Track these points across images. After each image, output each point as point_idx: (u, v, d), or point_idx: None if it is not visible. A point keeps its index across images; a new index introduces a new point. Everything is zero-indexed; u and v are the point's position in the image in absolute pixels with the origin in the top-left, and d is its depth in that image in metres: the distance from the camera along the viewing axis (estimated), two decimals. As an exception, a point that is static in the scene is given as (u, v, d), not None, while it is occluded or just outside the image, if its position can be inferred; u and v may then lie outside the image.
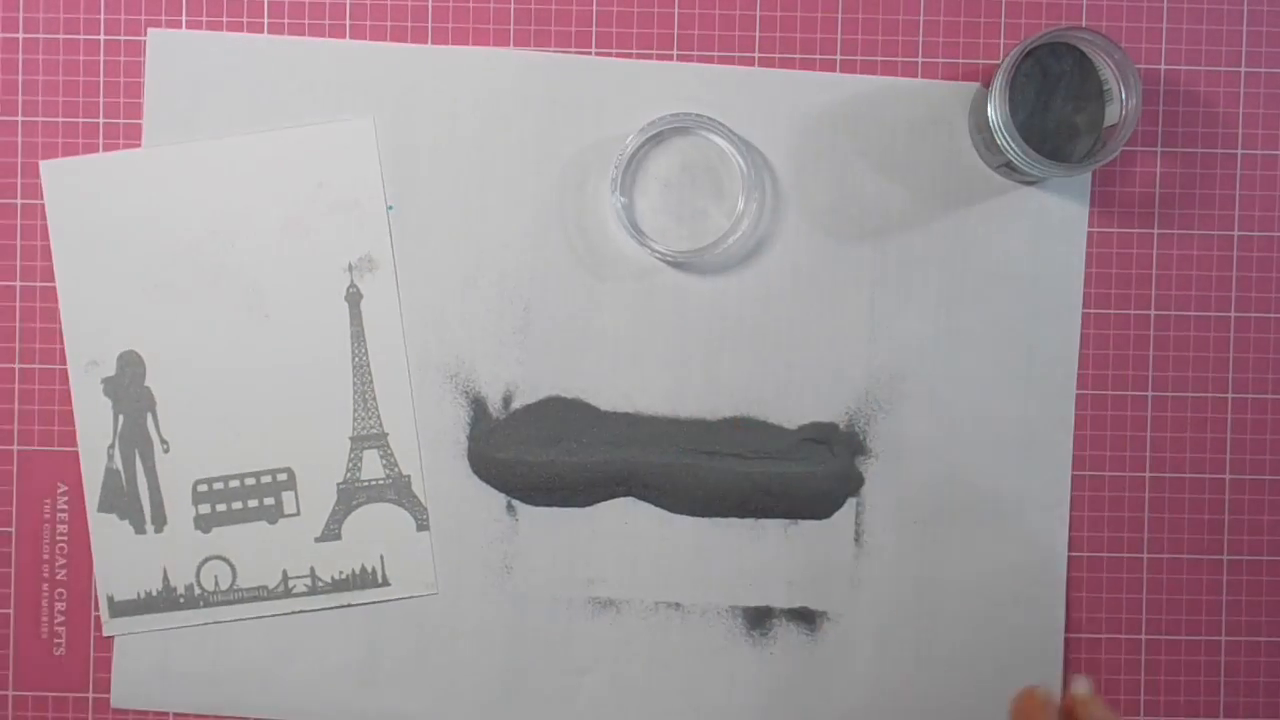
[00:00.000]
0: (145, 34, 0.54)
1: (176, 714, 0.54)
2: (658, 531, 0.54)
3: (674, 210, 0.54)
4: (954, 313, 0.54)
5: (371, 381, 0.52)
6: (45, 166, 0.52)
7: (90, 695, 0.54)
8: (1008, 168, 0.52)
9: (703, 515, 0.54)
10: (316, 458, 0.52)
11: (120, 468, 0.52)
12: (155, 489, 0.52)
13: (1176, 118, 0.54)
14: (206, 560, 0.53)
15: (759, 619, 0.54)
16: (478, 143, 0.54)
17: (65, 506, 0.54)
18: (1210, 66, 0.54)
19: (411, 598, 0.53)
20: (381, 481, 0.52)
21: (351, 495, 0.53)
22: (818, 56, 0.54)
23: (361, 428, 0.52)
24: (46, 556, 0.54)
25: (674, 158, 0.54)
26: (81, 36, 0.54)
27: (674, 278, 0.54)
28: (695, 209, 0.54)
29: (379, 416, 0.52)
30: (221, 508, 0.52)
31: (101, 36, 0.54)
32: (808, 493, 0.54)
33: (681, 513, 0.54)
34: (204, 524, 0.52)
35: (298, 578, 0.53)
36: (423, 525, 0.53)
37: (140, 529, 0.53)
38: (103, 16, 0.54)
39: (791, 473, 0.54)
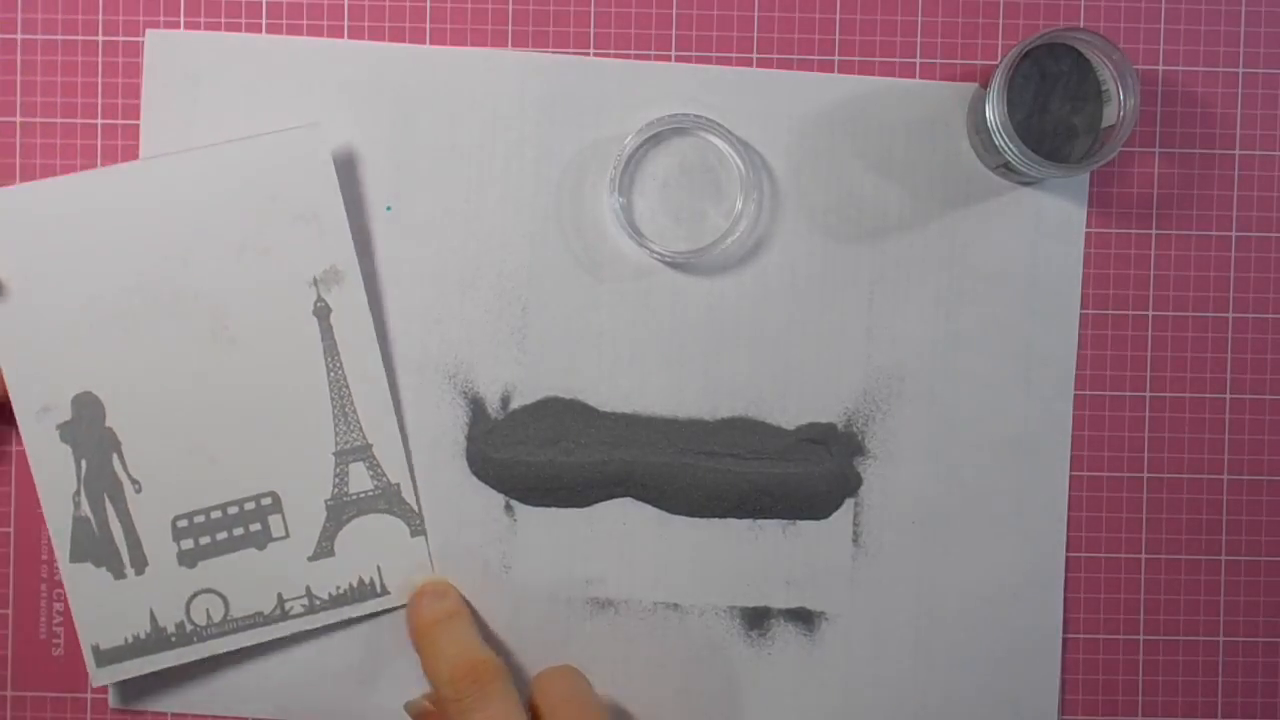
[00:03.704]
0: (143, 35, 0.54)
1: (176, 714, 0.54)
2: (656, 532, 0.54)
3: (672, 211, 0.54)
4: (952, 313, 0.54)
5: (350, 395, 0.50)
6: None
7: (89, 695, 0.54)
8: (1006, 168, 0.52)
9: (701, 515, 0.54)
10: (301, 477, 0.51)
11: (90, 514, 0.50)
12: (131, 531, 0.50)
13: (1175, 118, 0.54)
14: (195, 595, 0.51)
15: (757, 619, 0.54)
16: (476, 143, 0.54)
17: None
18: (1208, 67, 0.54)
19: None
20: (371, 493, 0.51)
21: (341, 510, 0.51)
22: (816, 57, 0.54)
23: (344, 442, 0.51)
24: (45, 557, 0.54)
25: (672, 158, 0.54)
26: (79, 37, 0.54)
27: (672, 278, 0.54)
28: (694, 209, 0.54)
29: (361, 429, 0.51)
30: (205, 540, 0.51)
31: (99, 37, 0.54)
32: (806, 493, 0.54)
33: (680, 513, 0.54)
34: (188, 559, 0.51)
35: (294, 599, 0.51)
36: (417, 530, 0.52)
37: (120, 574, 0.50)
38: (100, 17, 0.54)
39: (790, 473, 0.54)
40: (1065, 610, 0.54)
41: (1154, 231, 0.54)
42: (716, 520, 0.54)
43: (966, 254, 0.54)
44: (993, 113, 0.50)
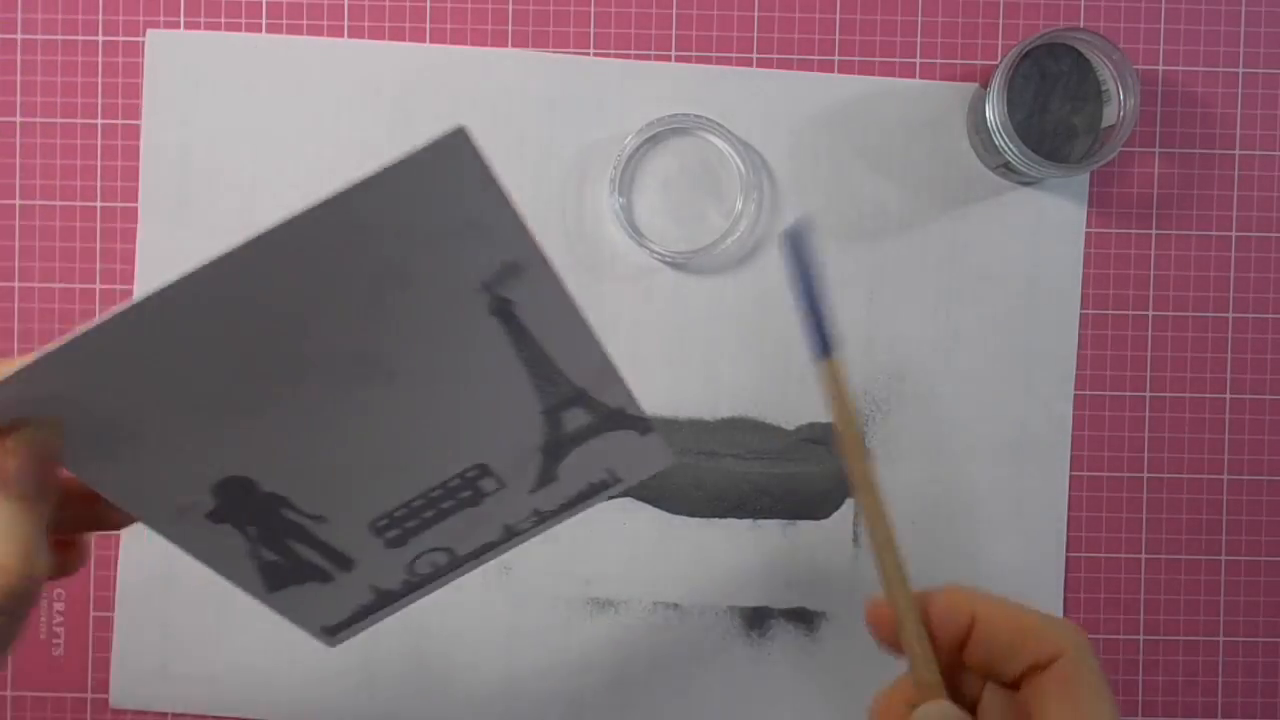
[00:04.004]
0: (144, 34, 0.54)
1: (175, 714, 0.54)
2: (656, 532, 0.54)
3: (672, 211, 0.54)
4: (952, 313, 0.54)
5: (552, 362, 0.43)
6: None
7: (89, 695, 0.54)
8: (1006, 168, 0.52)
9: (701, 516, 0.54)
10: (507, 443, 0.44)
11: (276, 558, 0.43)
12: (327, 550, 0.44)
13: (1174, 118, 0.54)
14: (418, 558, 0.45)
15: (757, 619, 0.54)
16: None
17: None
18: (1208, 67, 0.54)
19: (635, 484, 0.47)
20: (590, 424, 0.44)
21: (559, 448, 0.45)
22: (816, 57, 0.54)
23: (551, 400, 0.44)
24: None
25: (672, 158, 0.54)
26: (79, 37, 0.54)
27: (672, 278, 0.54)
28: (694, 209, 0.54)
29: (570, 382, 0.43)
30: (412, 523, 0.45)
31: (100, 37, 0.54)
32: (806, 493, 0.54)
33: (680, 513, 0.54)
34: (398, 542, 0.45)
35: (521, 520, 0.46)
36: (647, 429, 0.45)
37: (326, 580, 0.45)
38: (100, 17, 0.54)
39: (790, 473, 0.54)
40: (1065, 610, 0.54)
41: (1154, 231, 0.54)
42: (716, 520, 0.54)
43: (966, 254, 0.54)
44: (993, 113, 0.50)
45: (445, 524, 0.45)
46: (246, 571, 0.43)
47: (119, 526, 0.39)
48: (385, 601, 0.46)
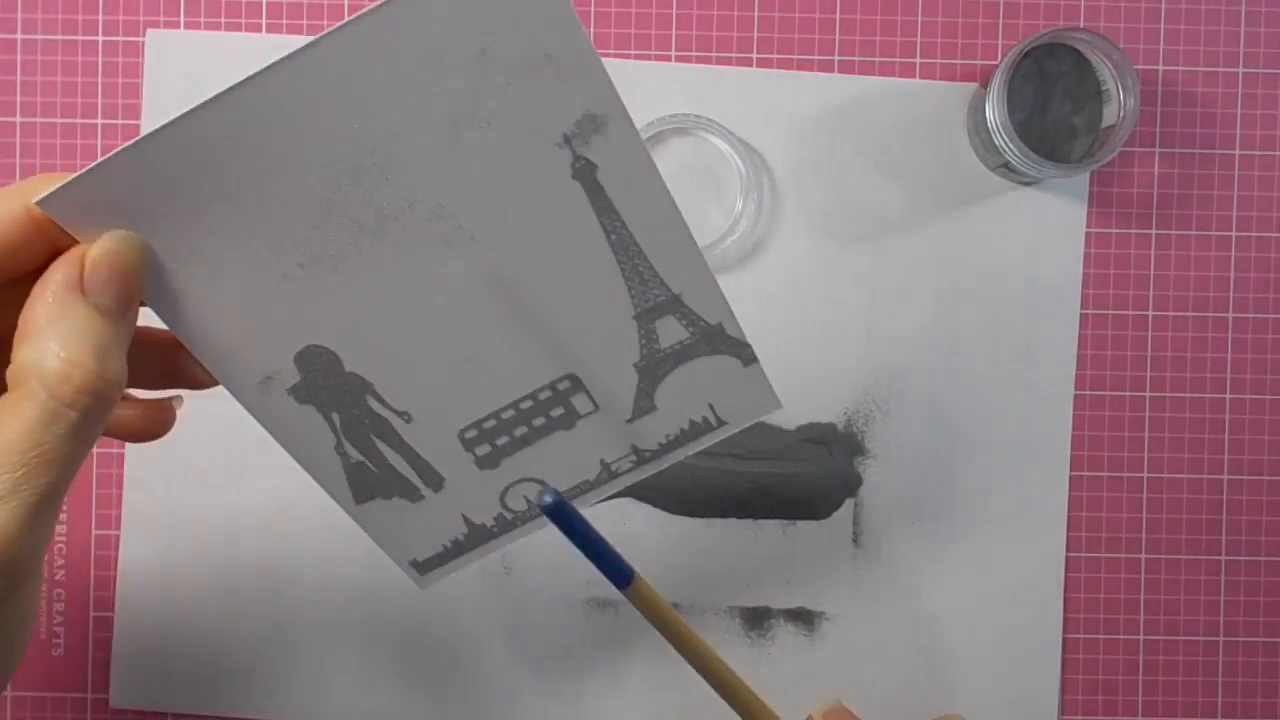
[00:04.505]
0: (144, 34, 0.54)
1: (175, 714, 0.54)
2: (656, 532, 0.54)
3: (672, 211, 0.54)
4: (952, 313, 0.54)
5: (640, 251, 0.41)
6: (48, 204, 0.36)
7: (89, 695, 0.54)
8: (1006, 168, 0.52)
9: (701, 515, 0.54)
10: (599, 352, 0.42)
11: (363, 458, 0.42)
12: (416, 458, 0.43)
13: (1175, 118, 0.54)
14: (510, 487, 0.44)
15: (757, 619, 0.54)
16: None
17: (65, 506, 0.54)
18: (1208, 67, 0.54)
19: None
20: (687, 341, 0.43)
21: (655, 368, 0.43)
22: (816, 57, 0.54)
23: (644, 302, 0.42)
24: (45, 557, 0.54)
25: (673, 158, 0.54)
26: (80, 37, 0.54)
27: (672, 278, 0.54)
28: (694, 209, 0.54)
29: (663, 282, 0.42)
30: (503, 440, 0.43)
31: (100, 37, 0.54)
32: (806, 493, 0.54)
33: (680, 513, 0.54)
34: (489, 462, 0.43)
35: (620, 459, 0.44)
36: (750, 359, 0.43)
37: (416, 498, 0.43)
38: (101, 17, 0.54)
39: (790, 473, 0.54)
40: (1065, 610, 0.54)
41: (1154, 231, 0.54)
42: (716, 520, 0.54)
43: (966, 254, 0.54)
44: (993, 113, 0.50)
45: (538, 446, 0.43)
46: (332, 471, 0.42)
47: (201, 386, 0.39)
48: (478, 539, 0.44)
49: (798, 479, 0.54)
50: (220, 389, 0.39)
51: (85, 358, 0.31)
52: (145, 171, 0.35)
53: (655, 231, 0.41)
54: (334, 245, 0.39)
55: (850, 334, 0.54)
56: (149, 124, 0.54)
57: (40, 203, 0.33)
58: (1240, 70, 0.54)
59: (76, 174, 0.33)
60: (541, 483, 0.43)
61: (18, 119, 0.54)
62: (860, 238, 0.54)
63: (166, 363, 0.38)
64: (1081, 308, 0.54)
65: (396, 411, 0.42)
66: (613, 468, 0.44)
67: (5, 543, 0.30)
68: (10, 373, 0.31)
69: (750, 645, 0.54)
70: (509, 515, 0.44)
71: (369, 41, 0.35)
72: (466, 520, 0.44)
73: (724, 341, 0.43)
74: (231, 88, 0.34)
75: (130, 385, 0.36)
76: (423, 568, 0.44)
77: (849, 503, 0.54)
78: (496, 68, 0.37)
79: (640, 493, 0.54)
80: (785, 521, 0.54)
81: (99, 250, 0.33)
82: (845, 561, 0.54)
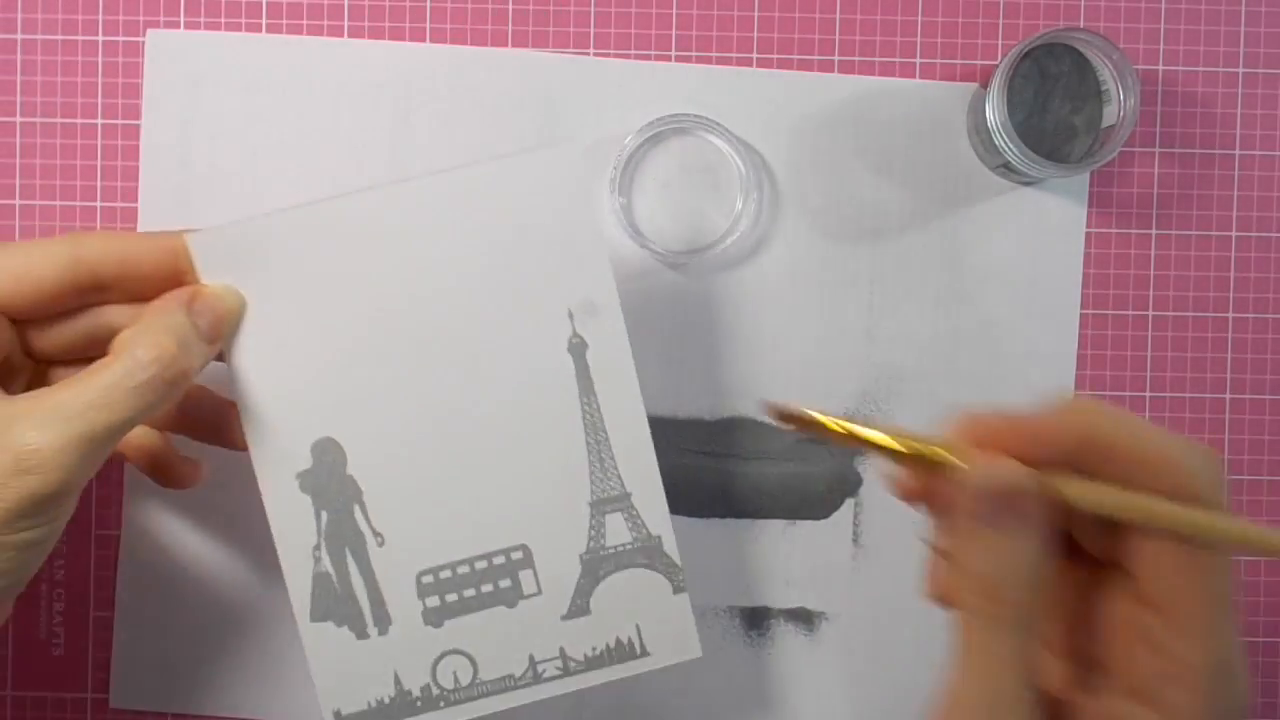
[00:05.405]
0: (143, 35, 0.54)
1: (175, 714, 0.54)
2: (656, 532, 0.54)
3: (672, 211, 0.54)
4: (952, 313, 0.54)
5: (607, 439, 0.46)
6: (193, 239, 0.43)
7: (89, 695, 0.54)
8: (1006, 168, 0.52)
9: (700, 515, 0.54)
10: (554, 530, 0.46)
11: (331, 570, 0.46)
12: (374, 587, 0.46)
13: (1175, 118, 0.54)
14: (443, 656, 0.46)
15: (757, 619, 0.54)
16: (477, 143, 0.54)
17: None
18: (1208, 67, 0.54)
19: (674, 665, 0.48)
20: (629, 546, 0.46)
21: (597, 565, 0.47)
22: (816, 57, 0.54)
23: (601, 491, 0.46)
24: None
25: (673, 158, 0.54)
26: (79, 37, 0.54)
27: (672, 278, 0.54)
28: (694, 209, 0.54)
29: (619, 477, 0.46)
30: (452, 598, 0.46)
31: (100, 37, 0.54)
32: (806, 493, 0.54)
33: (679, 513, 0.54)
34: (434, 618, 0.46)
35: (547, 660, 0.47)
36: (679, 587, 0.47)
37: (362, 634, 0.46)
38: (100, 17, 0.54)
39: (789, 473, 0.54)
40: (1065, 610, 0.54)
41: (1154, 231, 0.54)
42: (716, 520, 0.54)
43: (966, 254, 0.54)
44: (993, 113, 0.50)
45: (481, 616, 0.46)
46: (303, 572, 0.46)
47: (238, 448, 0.46)
48: (402, 710, 0.46)
49: (797, 479, 0.54)
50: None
51: (170, 345, 0.40)
52: (265, 244, 0.44)
53: (622, 423, 0.46)
54: (375, 346, 0.45)
55: (850, 334, 0.54)
56: (149, 124, 0.54)
57: (191, 236, 0.43)
58: (1240, 70, 0.54)
59: (229, 223, 0.43)
60: (472, 661, 0.46)
61: (18, 119, 0.54)
62: (860, 238, 0.54)
63: (218, 418, 0.46)
64: (1081, 308, 0.54)
65: (374, 531, 0.46)
66: (539, 669, 0.47)
67: (51, 454, 0.37)
68: (115, 341, 0.40)
69: (750, 645, 0.54)
70: (435, 690, 0.46)
71: (457, 192, 0.44)
72: (397, 680, 0.46)
73: (660, 559, 0.47)
74: (349, 194, 0.44)
75: (184, 431, 0.47)
76: None
77: (849, 503, 0.54)
78: (532, 237, 0.45)
79: (640, 493, 0.54)
80: (785, 521, 0.54)
81: (211, 288, 0.43)
82: (845, 561, 0.54)
